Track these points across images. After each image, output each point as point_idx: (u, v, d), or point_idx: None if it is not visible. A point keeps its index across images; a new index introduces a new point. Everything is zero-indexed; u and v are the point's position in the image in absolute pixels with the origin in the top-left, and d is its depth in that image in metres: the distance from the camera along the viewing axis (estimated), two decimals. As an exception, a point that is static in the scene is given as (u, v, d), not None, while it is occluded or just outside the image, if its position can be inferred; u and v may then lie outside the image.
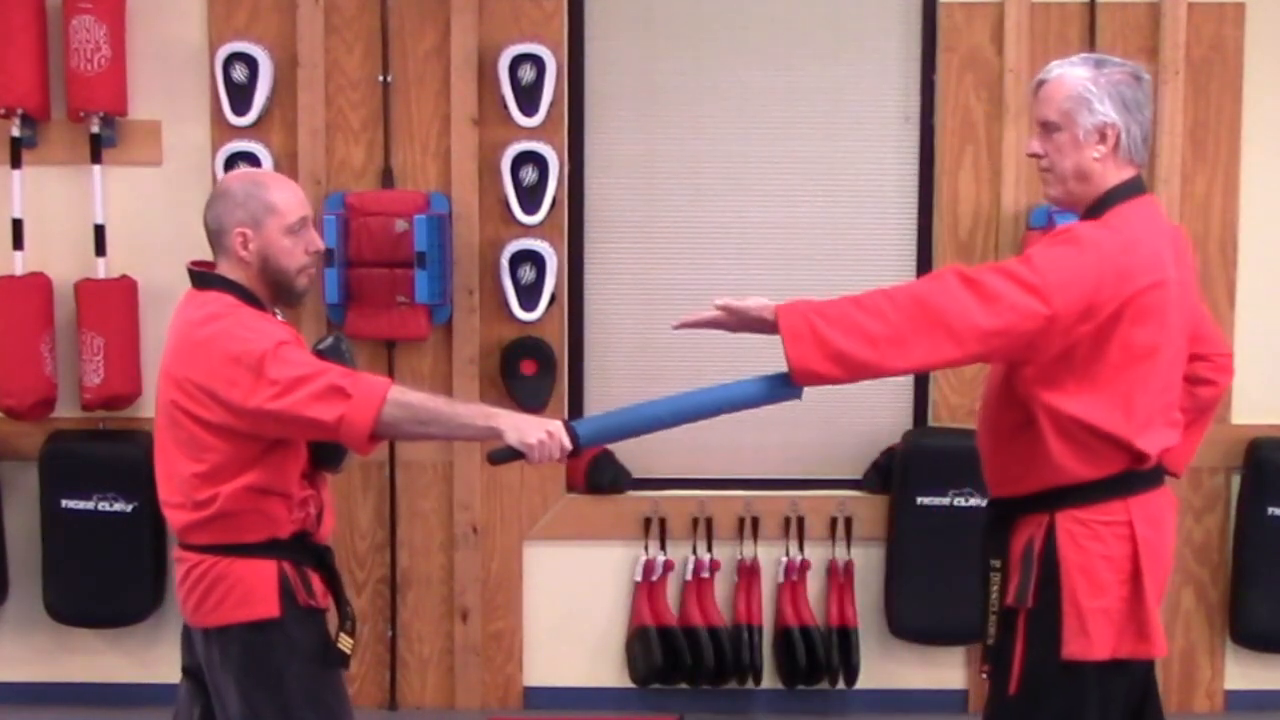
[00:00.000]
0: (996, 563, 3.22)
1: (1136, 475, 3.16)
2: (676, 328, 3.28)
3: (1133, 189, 3.19)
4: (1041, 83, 3.23)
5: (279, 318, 3.36)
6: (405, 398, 3.11)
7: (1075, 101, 3.16)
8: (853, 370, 3.05)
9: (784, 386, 3.09)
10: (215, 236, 3.27)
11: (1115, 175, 3.17)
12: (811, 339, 3.02)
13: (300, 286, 3.31)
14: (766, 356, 3.21)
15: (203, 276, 3.30)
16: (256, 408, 3.08)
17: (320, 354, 3.37)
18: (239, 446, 3.15)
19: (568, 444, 3.09)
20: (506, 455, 3.12)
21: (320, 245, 3.36)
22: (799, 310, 3.06)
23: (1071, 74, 3.18)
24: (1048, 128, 3.20)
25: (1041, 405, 3.11)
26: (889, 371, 3.09)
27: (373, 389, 3.09)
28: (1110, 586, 3.13)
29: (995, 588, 3.22)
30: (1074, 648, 3.12)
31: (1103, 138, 3.15)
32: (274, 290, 3.28)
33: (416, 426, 3.16)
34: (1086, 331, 3.04)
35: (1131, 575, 3.14)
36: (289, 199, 3.27)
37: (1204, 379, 3.41)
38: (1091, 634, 3.11)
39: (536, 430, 3.07)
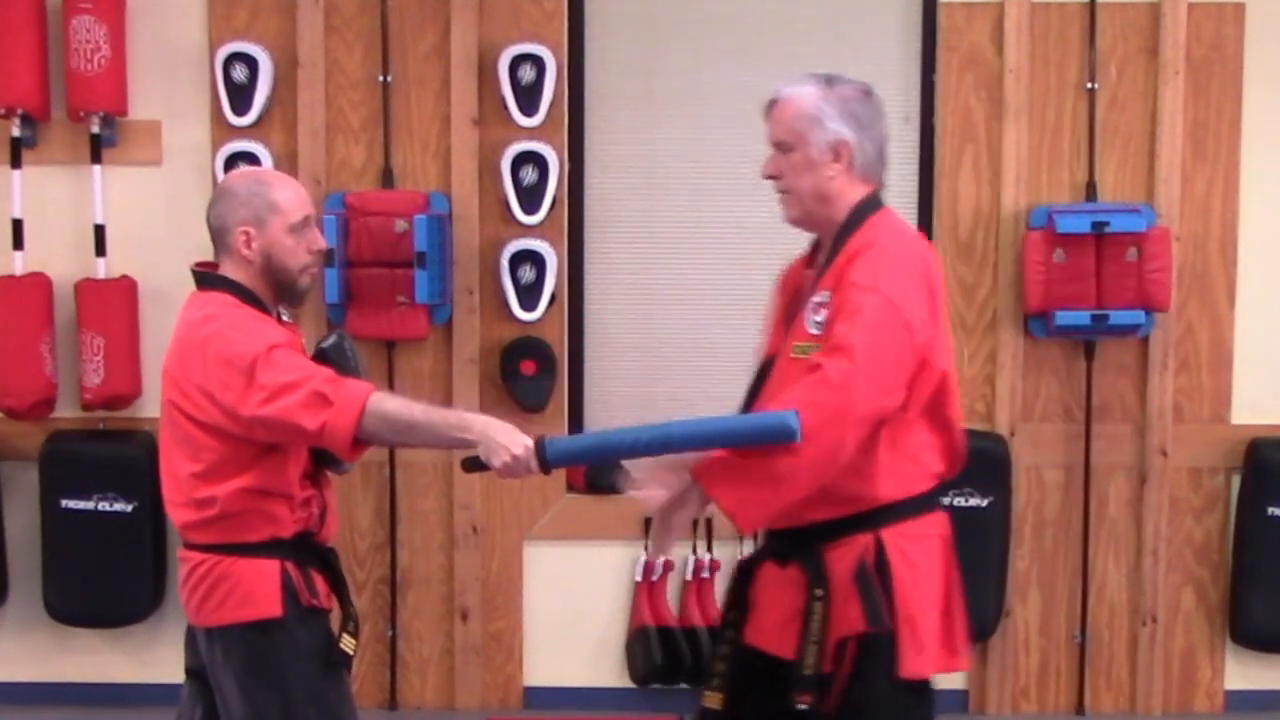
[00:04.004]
0: (819, 591, 3.03)
1: (942, 486, 3.12)
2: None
3: (875, 204, 3.12)
4: (773, 103, 3.14)
5: (285, 318, 3.37)
6: (382, 407, 3.08)
7: (806, 120, 3.07)
8: (784, 488, 2.91)
9: (777, 430, 2.84)
10: (218, 235, 3.28)
11: (854, 194, 3.10)
12: (724, 473, 2.92)
13: (303, 285, 3.31)
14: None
15: (205, 277, 3.31)
16: (249, 414, 3.08)
17: (323, 352, 3.37)
18: (235, 447, 3.16)
19: (534, 468, 3.02)
20: (478, 465, 3.09)
21: (323, 245, 3.36)
22: (705, 462, 2.96)
23: (801, 93, 3.10)
24: (781, 148, 3.11)
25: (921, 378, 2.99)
26: (815, 472, 2.92)
27: (351, 398, 3.07)
28: (935, 600, 3.06)
29: (817, 617, 3.02)
30: (911, 666, 3.01)
31: (837, 155, 3.07)
32: (276, 289, 3.28)
33: (394, 435, 3.16)
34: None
35: (947, 588, 3.08)
36: (292, 198, 3.28)
37: None
38: (927, 650, 3.03)
39: (502, 453, 3.01)
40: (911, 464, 3.06)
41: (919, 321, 2.95)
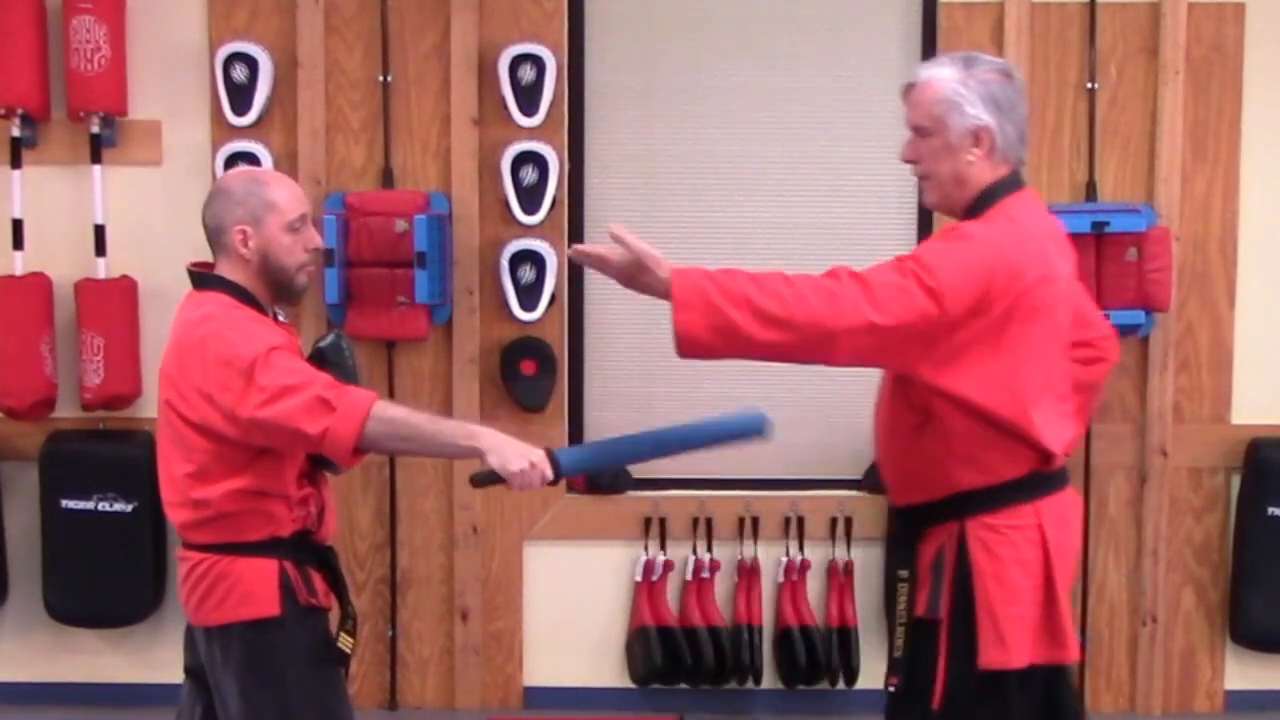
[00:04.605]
0: (904, 573, 3.13)
1: (1043, 477, 3.11)
2: (572, 255, 3.21)
3: (1011, 185, 3.11)
4: (911, 86, 3.13)
5: (280, 318, 3.37)
6: (387, 414, 3.09)
7: (946, 105, 3.06)
8: (736, 346, 2.96)
9: (751, 423, 3.11)
10: (215, 235, 3.27)
11: (991, 175, 3.09)
12: (702, 307, 2.93)
13: (300, 284, 3.31)
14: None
15: (201, 277, 3.31)
16: (248, 415, 3.07)
17: (321, 352, 3.38)
18: (226, 448, 3.15)
19: (549, 474, 3.07)
20: (488, 479, 3.11)
21: (319, 243, 3.36)
22: (694, 277, 2.96)
23: (940, 76, 3.08)
24: (920, 133, 3.11)
25: (936, 391, 3.01)
26: (772, 353, 2.99)
27: (356, 404, 3.06)
28: (1024, 592, 3.06)
29: (904, 599, 3.12)
30: (991, 657, 3.04)
31: (977, 140, 3.07)
32: (274, 288, 3.28)
33: (398, 443, 3.17)
34: (978, 326, 2.96)
35: (1044, 580, 3.08)
36: (288, 196, 3.28)
37: (1094, 357, 3.36)
38: (1009, 642, 3.04)
39: (518, 459, 3.04)
40: (993, 453, 3.06)
41: (949, 291, 2.92)
